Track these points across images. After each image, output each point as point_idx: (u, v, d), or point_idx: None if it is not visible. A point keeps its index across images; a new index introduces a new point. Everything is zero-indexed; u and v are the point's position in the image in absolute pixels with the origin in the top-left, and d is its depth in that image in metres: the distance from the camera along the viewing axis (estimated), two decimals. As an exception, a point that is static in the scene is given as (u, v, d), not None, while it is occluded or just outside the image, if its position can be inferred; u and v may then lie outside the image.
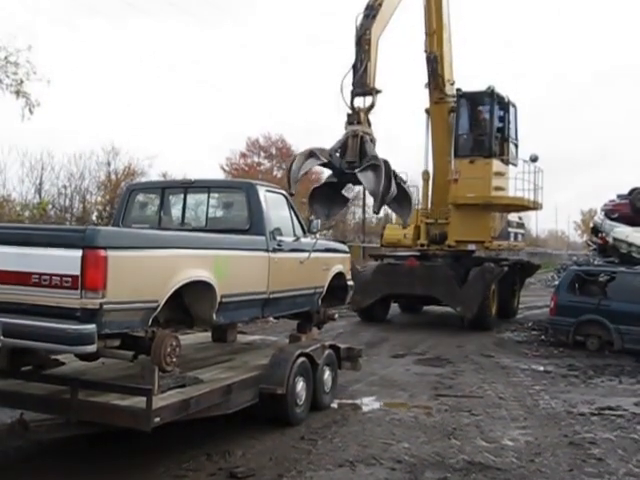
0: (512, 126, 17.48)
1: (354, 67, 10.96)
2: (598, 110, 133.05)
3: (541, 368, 11.31)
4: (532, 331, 15.91)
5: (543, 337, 14.54)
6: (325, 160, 10.26)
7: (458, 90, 16.94)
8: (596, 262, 16.85)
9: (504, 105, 17.06)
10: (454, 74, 17.37)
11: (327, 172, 11.24)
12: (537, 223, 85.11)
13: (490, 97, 16.69)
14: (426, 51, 16.32)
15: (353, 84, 10.86)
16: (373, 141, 10.59)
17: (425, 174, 17.63)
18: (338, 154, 10.49)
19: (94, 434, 6.06)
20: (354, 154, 10.28)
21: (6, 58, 18.55)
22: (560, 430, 7.42)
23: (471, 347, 13.27)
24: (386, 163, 9.85)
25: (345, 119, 10.69)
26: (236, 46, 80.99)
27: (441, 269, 15.96)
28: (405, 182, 11.04)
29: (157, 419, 5.29)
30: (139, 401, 5.31)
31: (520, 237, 19.26)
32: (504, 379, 10.25)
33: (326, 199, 10.73)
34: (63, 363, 6.43)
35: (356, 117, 10.63)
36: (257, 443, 6.59)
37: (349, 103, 10.68)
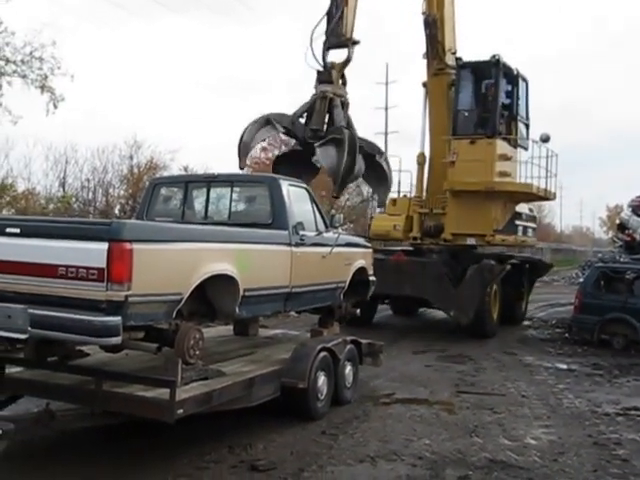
0: (521, 103, 14.92)
1: (328, 14, 9.40)
2: (625, 103, 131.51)
3: (565, 366, 11.19)
4: (556, 329, 15.75)
5: (567, 335, 14.36)
6: (282, 130, 9.04)
7: (458, 59, 14.62)
8: (622, 259, 16.63)
9: (512, 78, 14.59)
10: (457, 44, 15.16)
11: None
12: (561, 219, 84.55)
13: (496, 68, 14.16)
14: (424, 13, 14.27)
15: (326, 34, 9.33)
16: (345, 105, 9.24)
17: (420, 157, 15.37)
18: (303, 120, 9.23)
19: (119, 424, 6.12)
20: (320, 121, 9.03)
21: (31, 53, 18.81)
22: (584, 430, 7.35)
23: (493, 344, 13.17)
24: (351, 136, 8.73)
25: (315, 78, 9.30)
26: (251, 45, 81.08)
27: (433, 266, 13.81)
28: (382, 154, 9.88)
29: (180, 411, 5.34)
30: (163, 393, 5.36)
31: (530, 232, 16.57)
32: (527, 377, 10.17)
33: (293, 168, 9.38)
34: (88, 354, 6.52)
35: (327, 75, 9.16)
36: (278, 437, 6.61)
37: (321, 58, 9.24)
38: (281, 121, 8.97)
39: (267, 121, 8.81)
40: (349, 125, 9.26)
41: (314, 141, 8.90)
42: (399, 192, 15.67)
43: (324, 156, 8.68)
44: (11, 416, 5.73)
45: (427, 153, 15.37)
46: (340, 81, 9.33)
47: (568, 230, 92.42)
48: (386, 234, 15.24)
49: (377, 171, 9.62)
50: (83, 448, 6.19)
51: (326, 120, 9.10)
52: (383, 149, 10.61)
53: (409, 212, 15.11)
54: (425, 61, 14.88)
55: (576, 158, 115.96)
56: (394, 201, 15.38)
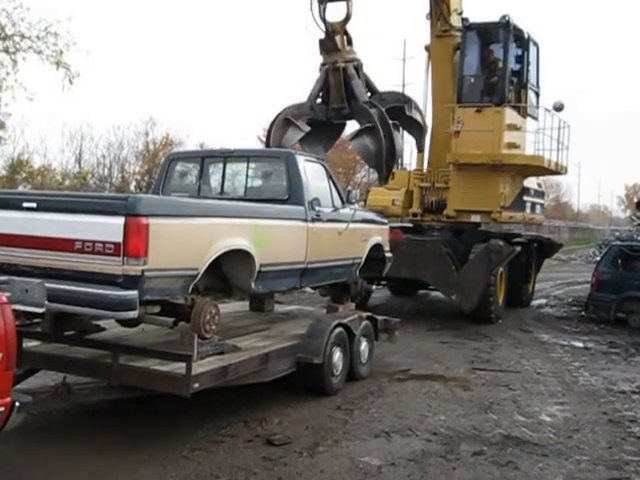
0: (532, 69, 13.79)
1: None
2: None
3: (581, 344, 11.15)
4: (572, 307, 15.70)
5: (583, 313, 14.31)
6: (307, 128, 8.60)
7: (464, 20, 13.39)
8: (640, 238, 16.48)
9: (523, 42, 13.43)
10: (463, 3, 14.06)
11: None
12: (579, 197, 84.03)
13: (505, 30, 13.02)
14: None
15: None
16: (359, 68, 8.73)
17: None
18: (320, 99, 8.78)
19: (135, 398, 6.18)
20: (340, 97, 8.54)
21: (46, 29, 18.74)
22: (599, 407, 7.33)
23: (509, 322, 13.12)
24: (381, 116, 8.27)
25: (319, 47, 8.79)
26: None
27: (433, 245, 12.66)
28: (411, 104, 9.22)
29: (196, 385, 5.37)
30: (179, 367, 5.39)
31: (539, 209, 15.49)
32: (543, 355, 10.14)
33: (317, 134, 9.12)
34: (104, 329, 6.58)
35: (332, 42, 8.60)
36: (293, 412, 6.65)
37: (320, 19, 8.75)
38: (300, 114, 8.60)
39: (287, 121, 8.42)
40: (369, 87, 8.80)
41: (340, 120, 8.56)
42: (398, 164, 15.01)
43: (360, 149, 8.40)
44: (29, 389, 5.79)
45: (429, 123, 13.93)
46: (345, 39, 8.84)
47: (586, 209, 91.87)
48: (383, 209, 13.33)
49: (408, 123, 9.25)
50: (99, 421, 6.26)
51: (344, 94, 8.66)
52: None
53: (409, 186, 14.08)
54: (429, 22, 13.80)
55: (594, 136, 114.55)
56: (392, 174, 14.60)
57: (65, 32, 18.81)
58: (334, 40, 8.60)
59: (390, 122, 8.46)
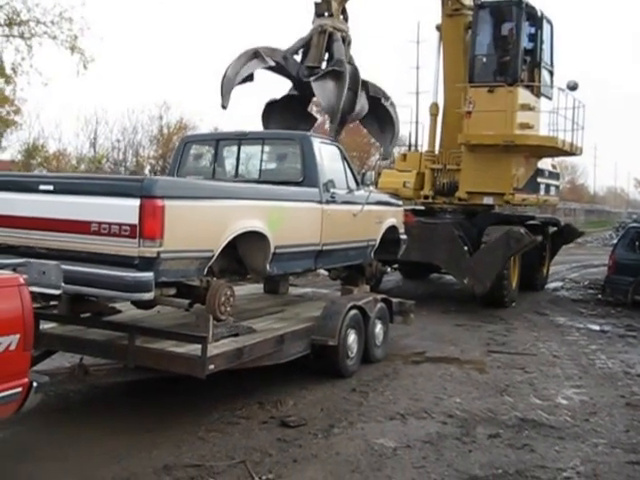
0: (546, 47, 13.47)
1: None
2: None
3: (597, 327, 11.07)
4: (588, 290, 15.58)
5: (600, 296, 14.17)
6: (273, 63, 8.19)
7: None
8: (658, 220, 16.28)
9: (536, 20, 13.08)
10: None
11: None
12: (595, 180, 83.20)
13: (518, 8, 12.69)
14: None
15: None
16: (347, 41, 8.55)
17: (433, 107, 14.11)
18: (299, 56, 8.54)
19: (151, 380, 6.21)
20: (318, 57, 8.29)
21: (61, 14, 18.87)
22: (617, 390, 7.28)
23: (524, 305, 13.05)
24: (354, 70, 8.12)
25: (313, 11, 8.51)
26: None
27: (444, 228, 12.34)
28: (388, 99, 9.15)
29: (211, 366, 5.38)
30: (194, 348, 5.41)
31: (554, 190, 15.21)
32: (559, 337, 10.08)
33: (286, 118, 8.81)
34: (120, 311, 6.60)
35: (326, 6, 8.35)
36: (308, 394, 6.67)
37: None
38: (272, 55, 8.20)
39: (255, 54, 8.00)
40: (351, 62, 8.62)
41: (310, 79, 8.18)
42: (410, 146, 14.87)
43: (321, 91, 7.99)
44: (46, 370, 5.83)
45: (441, 103, 14.13)
46: (341, 16, 8.67)
47: (602, 191, 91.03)
48: (394, 192, 12.81)
49: (382, 117, 9.05)
50: (115, 403, 6.31)
51: (325, 58, 8.46)
52: (413, 107, 10.11)
53: (420, 168, 13.85)
54: (440, 1, 13.46)
55: (611, 117, 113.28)
56: (404, 156, 14.57)
57: (79, 17, 19.01)
58: (330, 3, 8.38)
59: (360, 80, 8.21)
